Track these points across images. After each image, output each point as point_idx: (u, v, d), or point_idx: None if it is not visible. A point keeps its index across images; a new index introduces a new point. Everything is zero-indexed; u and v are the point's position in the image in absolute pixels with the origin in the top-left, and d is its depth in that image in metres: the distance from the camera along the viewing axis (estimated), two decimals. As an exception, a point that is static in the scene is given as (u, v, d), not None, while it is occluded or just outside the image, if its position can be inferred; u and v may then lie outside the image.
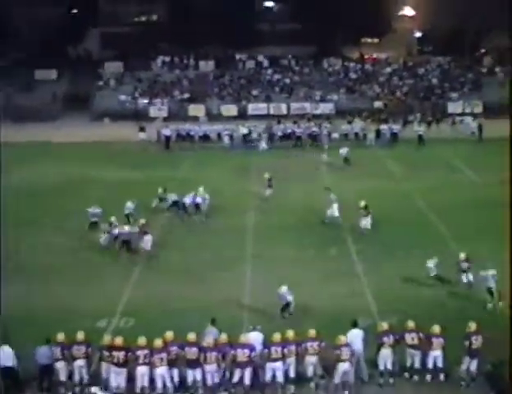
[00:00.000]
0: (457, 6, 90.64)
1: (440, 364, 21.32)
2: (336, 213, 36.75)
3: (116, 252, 32.75)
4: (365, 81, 78.14)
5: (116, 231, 33.37)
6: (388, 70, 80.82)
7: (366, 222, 35.12)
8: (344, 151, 51.50)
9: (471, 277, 27.89)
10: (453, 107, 72.28)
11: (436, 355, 21.25)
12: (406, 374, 21.56)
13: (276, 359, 20.85)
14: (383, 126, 61.99)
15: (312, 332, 21.31)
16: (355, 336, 21.61)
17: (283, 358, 20.92)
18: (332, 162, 51.52)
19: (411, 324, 21.74)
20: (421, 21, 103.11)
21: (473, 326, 21.47)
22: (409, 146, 57.48)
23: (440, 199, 41.27)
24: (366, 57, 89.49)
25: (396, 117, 65.81)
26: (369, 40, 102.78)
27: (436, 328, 21.47)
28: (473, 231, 35.14)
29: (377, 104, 72.82)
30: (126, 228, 33.40)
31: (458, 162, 51.49)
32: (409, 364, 21.60)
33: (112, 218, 34.09)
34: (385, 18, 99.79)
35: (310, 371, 21.22)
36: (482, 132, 61.33)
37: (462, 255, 28.36)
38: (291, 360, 21.02)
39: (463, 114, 70.36)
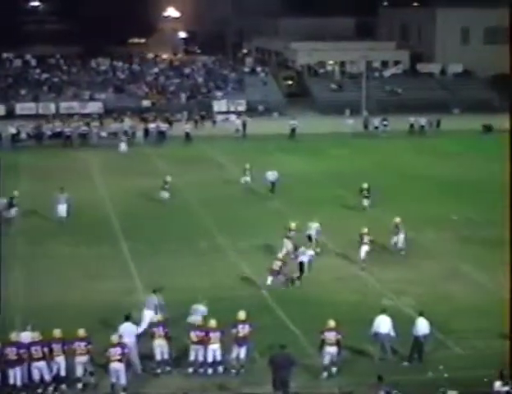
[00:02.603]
0: (220, 10, 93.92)
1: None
2: (64, 214, 37.43)
3: None
4: (133, 80, 79.14)
5: None
6: (155, 69, 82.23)
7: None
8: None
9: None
10: (218, 106, 74.89)
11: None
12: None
13: (38, 359, 21.03)
14: (151, 125, 63.51)
15: (81, 332, 21.43)
16: (127, 330, 22.04)
17: (45, 357, 21.05)
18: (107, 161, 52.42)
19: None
20: (186, 22, 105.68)
21: (241, 315, 22.39)
22: (177, 143, 59.36)
23: (207, 194, 43.21)
24: (134, 56, 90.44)
25: (164, 116, 67.46)
26: (136, 40, 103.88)
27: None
28: (238, 222, 37.36)
29: (145, 103, 74.06)
30: None
31: (223, 159, 53.84)
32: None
33: None
34: (151, 19, 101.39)
35: (80, 371, 21.37)
36: (246, 129, 64.38)
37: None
38: (60, 359, 21.20)
39: (227, 112, 73.29)
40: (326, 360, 21.95)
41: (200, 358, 22.10)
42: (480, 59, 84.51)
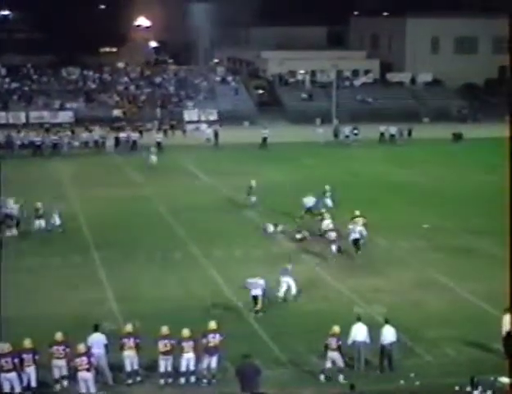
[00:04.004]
0: (191, 20, 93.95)
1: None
2: (57, 222, 37.47)
3: None
4: (104, 90, 78.90)
5: None
6: (126, 79, 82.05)
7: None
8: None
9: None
10: (189, 115, 74.84)
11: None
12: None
13: (9, 371, 20.92)
14: (122, 134, 63.38)
15: (58, 336, 21.58)
16: (96, 340, 22.07)
17: (15, 368, 20.99)
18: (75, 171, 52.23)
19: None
20: (157, 32, 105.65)
21: (212, 324, 22.26)
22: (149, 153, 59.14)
23: (179, 203, 43.05)
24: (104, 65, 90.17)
25: (135, 125, 67.33)
26: (108, 49, 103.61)
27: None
28: (211, 232, 37.29)
29: (116, 112, 73.85)
30: None
31: (194, 168, 53.80)
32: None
33: None
34: (122, 28, 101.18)
35: (57, 374, 21.53)
36: (218, 139, 64.39)
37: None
38: (31, 369, 21.21)
39: (198, 121, 73.31)
40: (328, 364, 22.13)
41: (169, 368, 22.05)
42: (450, 68, 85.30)
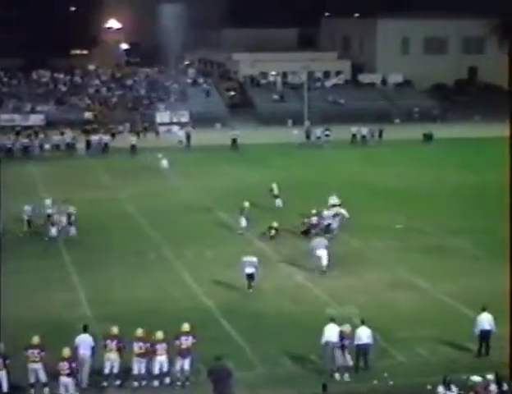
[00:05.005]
0: (162, 21, 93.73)
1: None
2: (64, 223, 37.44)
3: None
4: (75, 93, 78.52)
5: None
6: (97, 81, 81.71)
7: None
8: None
9: None
10: (161, 117, 74.68)
11: (161, 359, 22.00)
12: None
13: None
14: (94, 137, 63.12)
15: (35, 340, 21.44)
16: (83, 341, 21.97)
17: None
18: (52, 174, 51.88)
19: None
20: (128, 34, 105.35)
21: (185, 326, 22.21)
22: (121, 155, 59.01)
23: (151, 205, 43.05)
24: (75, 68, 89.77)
25: (106, 128, 67.09)
26: (78, 52, 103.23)
27: (160, 334, 21.98)
28: (183, 233, 37.31)
29: (88, 115, 73.50)
30: None
31: (167, 169, 53.59)
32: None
33: None
34: (93, 30, 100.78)
35: (32, 379, 21.37)
36: (190, 140, 64.36)
37: None
38: (2, 374, 21.02)
39: (170, 123, 73.17)
40: (349, 362, 22.52)
41: (143, 371, 21.95)
42: (420, 69, 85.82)
